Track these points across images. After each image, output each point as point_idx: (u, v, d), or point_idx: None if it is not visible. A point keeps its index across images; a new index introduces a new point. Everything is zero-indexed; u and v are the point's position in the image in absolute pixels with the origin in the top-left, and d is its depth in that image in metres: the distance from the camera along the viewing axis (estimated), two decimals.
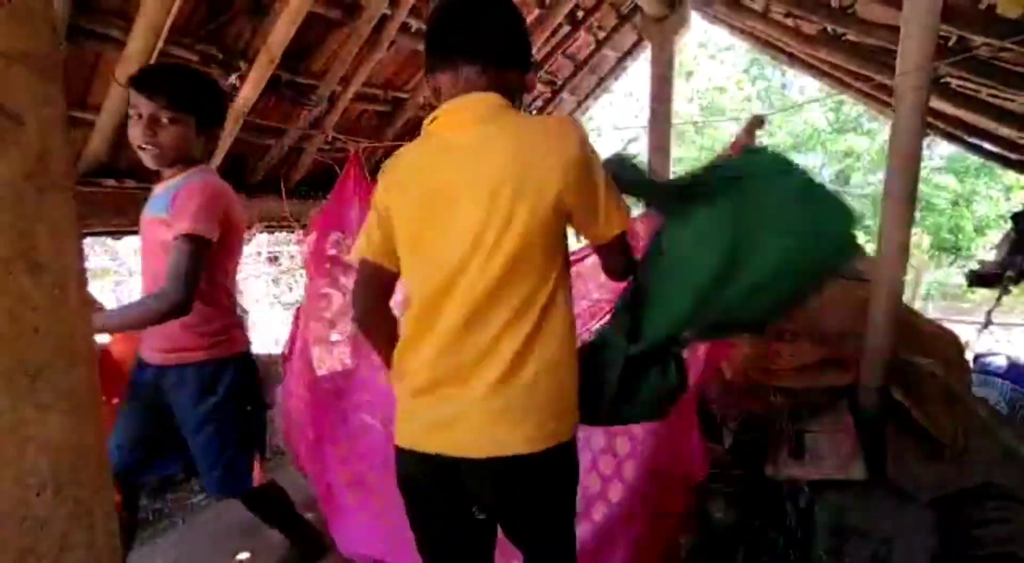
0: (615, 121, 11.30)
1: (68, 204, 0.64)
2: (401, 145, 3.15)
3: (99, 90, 1.97)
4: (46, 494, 0.62)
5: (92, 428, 0.67)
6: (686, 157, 10.19)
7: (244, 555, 1.94)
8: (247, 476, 1.47)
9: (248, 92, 2.21)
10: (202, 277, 1.26)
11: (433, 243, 0.89)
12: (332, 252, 2.11)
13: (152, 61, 1.84)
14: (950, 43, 2.12)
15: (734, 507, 1.72)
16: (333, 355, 2.10)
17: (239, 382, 1.43)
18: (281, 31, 2.07)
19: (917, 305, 8.43)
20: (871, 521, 1.56)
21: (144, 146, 1.27)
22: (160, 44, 1.81)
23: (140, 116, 1.25)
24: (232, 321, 1.45)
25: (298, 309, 2.15)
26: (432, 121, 0.93)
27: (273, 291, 7.57)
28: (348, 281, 2.04)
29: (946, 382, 1.80)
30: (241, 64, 2.19)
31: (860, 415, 1.76)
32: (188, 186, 1.27)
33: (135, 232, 2.00)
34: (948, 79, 2.40)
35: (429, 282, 0.89)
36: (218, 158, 2.38)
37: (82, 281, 0.67)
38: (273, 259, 7.47)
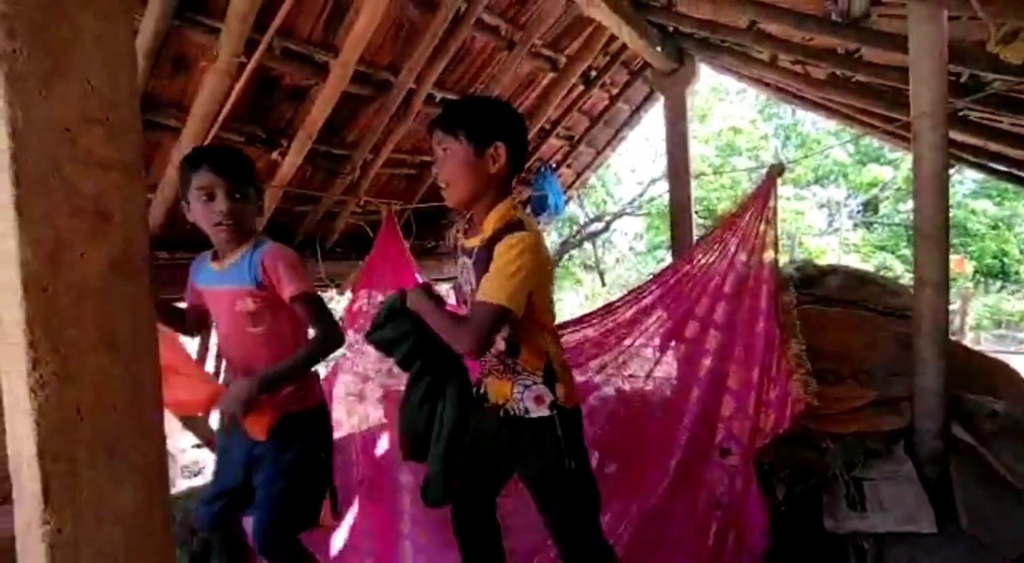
0: (632, 166, 11.55)
1: (144, 288, 0.71)
2: (429, 206, 3.27)
3: (157, 172, 2.15)
4: None
5: (160, 500, 0.70)
6: (706, 198, 10.24)
7: None
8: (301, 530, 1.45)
9: (288, 166, 2.38)
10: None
11: None
12: (368, 309, 2.19)
13: (205, 144, 2.02)
14: (962, 79, 2.15)
15: None
16: (361, 409, 2.13)
17: (318, 433, 1.45)
18: (318, 111, 2.25)
19: (967, 336, 7.99)
20: None
21: (224, 222, 1.31)
22: (213, 130, 1.99)
23: (213, 196, 1.30)
24: (313, 374, 1.48)
25: (334, 366, 2.21)
26: None
27: None
28: None
29: (1016, 419, 1.70)
30: (282, 141, 2.37)
31: (920, 460, 1.66)
32: (270, 254, 1.33)
33: (184, 299, 2.09)
34: (966, 112, 2.41)
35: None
36: (261, 226, 2.54)
37: (155, 359, 0.73)
38: None
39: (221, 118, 1.98)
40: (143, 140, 0.70)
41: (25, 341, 0.58)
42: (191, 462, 4.68)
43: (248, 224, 1.37)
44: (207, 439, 2.97)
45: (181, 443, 4.17)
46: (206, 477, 3.48)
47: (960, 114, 2.38)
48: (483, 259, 1.17)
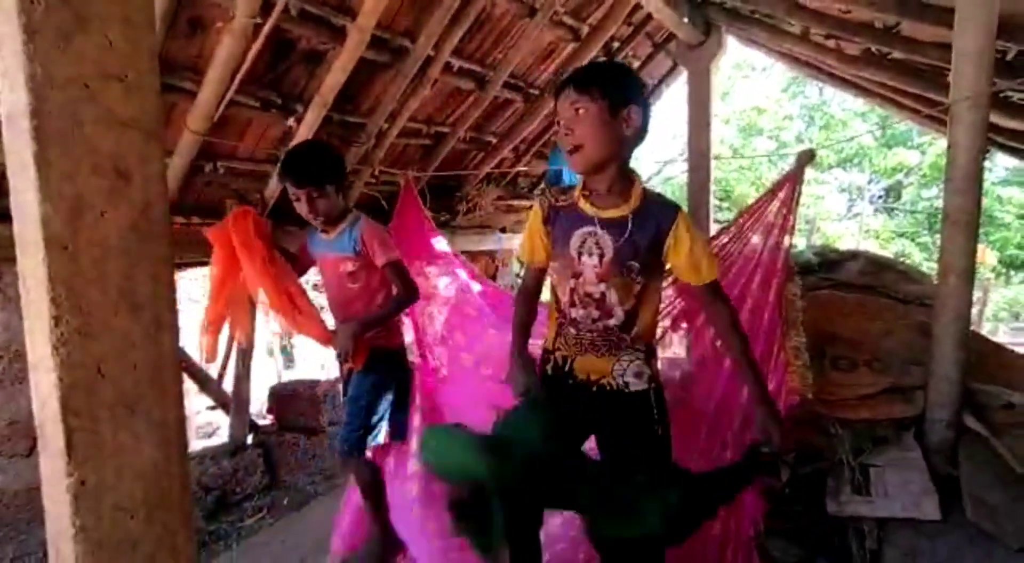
0: (650, 144, 11.30)
1: (165, 249, 0.71)
2: (445, 175, 3.25)
3: (172, 136, 2.15)
4: (139, 518, 0.67)
5: (178, 457, 0.72)
6: (724, 179, 10.03)
7: None
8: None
9: (303, 133, 2.36)
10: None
11: None
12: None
13: (220, 108, 2.01)
14: (1008, 57, 2.04)
15: (796, 546, 1.63)
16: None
17: (396, 366, 1.85)
18: (334, 77, 2.21)
19: (985, 326, 7.86)
20: None
21: (312, 219, 1.69)
22: (228, 94, 1.97)
23: (299, 199, 1.66)
24: (395, 322, 1.90)
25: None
26: None
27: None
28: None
29: None
30: (298, 107, 2.35)
31: (929, 448, 1.65)
32: (366, 230, 1.72)
33: (199, 264, 2.25)
34: (1009, 94, 2.30)
35: None
36: (274, 194, 2.53)
37: (174, 319, 0.74)
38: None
39: (237, 82, 1.96)
40: (162, 102, 0.69)
41: (47, 298, 0.58)
42: (205, 423, 4.83)
43: (334, 210, 1.71)
44: (221, 401, 3.05)
45: (196, 405, 4.29)
46: (220, 438, 3.59)
47: (1001, 95, 2.27)
48: (640, 231, 1.20)
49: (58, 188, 0.58)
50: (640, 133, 1.19)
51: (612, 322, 1.24)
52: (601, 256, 1.21)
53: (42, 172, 0.57)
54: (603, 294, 1.23)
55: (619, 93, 1.15)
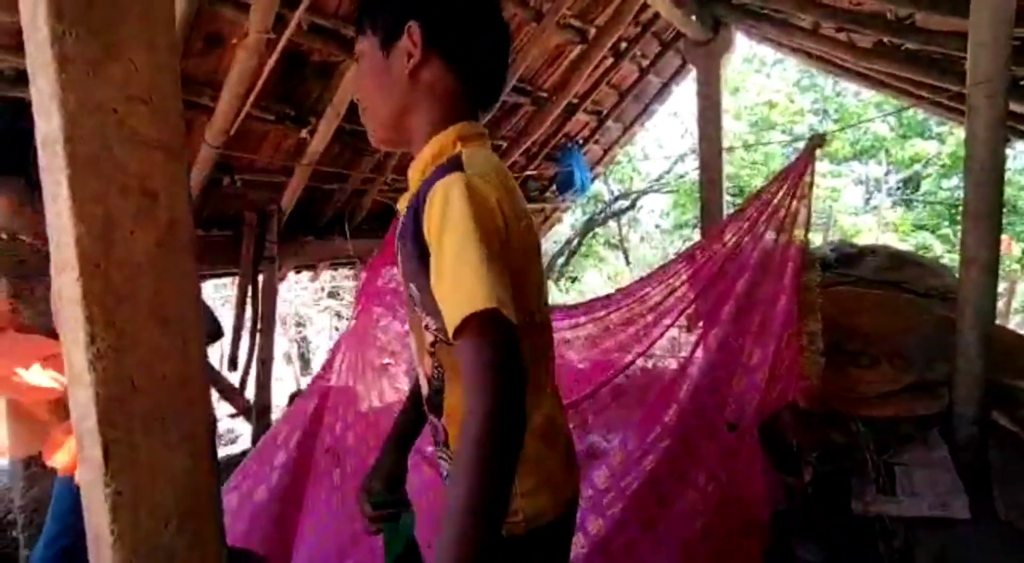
0: (660, 141, 11.23)
1: (191, 264, 0.73)
2: None
3: (190, 150, 2.20)
4: (172, 526, 0.69)
5: (208, 466, 0.74)
6: (737, 175, 9.91)
7: None
8: None
9: (317, 143, 2.40)
10: None
11: None
12: (391, 285, 2.21)
13: (236, 122, 2.05)
14: None
15: (820, 547, 1.61)
16: (383, 382, 2.15)
17: None
18: (346, 87, 2.25)
19: (1013, 320, 7.65)
20: None
21: None
22: (244, 108, 2.02)
23: None
24: None
25: (340, 339, 2.10)
26: None
27: (336, 324, 7.94)
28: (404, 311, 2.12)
29: None
30: (311, 119, 2.39)
31: (955, 446, 1.62)
32: None
33: (217, 276, 2.30)
34: None
35: None
36: (291, 204, 2.58)
37: (200, 331, 0.76)
38: (334, 294, 7.86)
39: (252, 96, 2.00)
40: (183, 119, 0.72)
41: (83, 316, 0.60)
42: (227, 431, 4.91)
43: None
44: (243, 409, 3.11)
45: (218, 413, 4.37)
46: (243, 445, 3.65)
47: (1021, 82, 2.22)
48: (406, 231, 0.71)
49: (90, 209, 0.61)
50: (450, 70, 0.73)
51: (426, 396, 0.80)
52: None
53: (76, 194, 0.59)
54: (411, 346, 0.84)
55: (389, 14, 0.73)
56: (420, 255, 0.67)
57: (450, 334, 0.59)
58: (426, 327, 0.73)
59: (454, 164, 0.68)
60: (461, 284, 0.59)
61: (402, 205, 0.77)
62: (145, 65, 0.65)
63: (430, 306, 0.66)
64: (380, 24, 0.74)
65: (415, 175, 0.75)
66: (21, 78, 1.64)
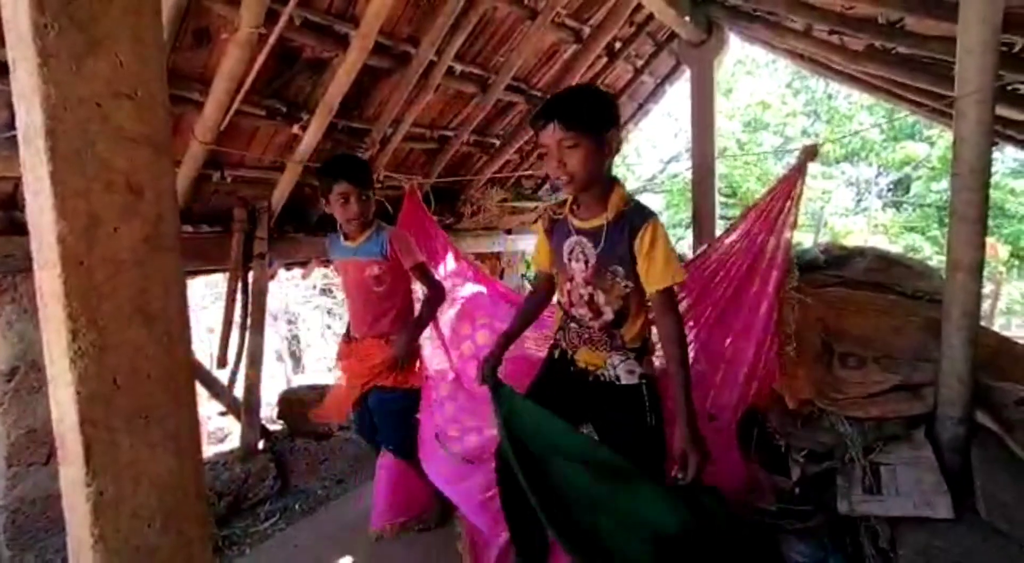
0: (654, 141, 11.26)
1: (176, 261, 0.73)
2: (449, 179, 3.26)
3: (179, 146, 2.17)
4: (155, 526, 0.68)
5: (193, 466, 0.73)
6: (729, 175, 9.97)
7: None
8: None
9: (309, 140, 2.38)
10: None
11: None
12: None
13: (227, 118, 2.03)
14: (1015, 50, 2.03)
15: (807, 545, 1.62)
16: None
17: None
18: (338, 83, 2.23)
19: (997, 321, 7.76)
20: None
21: (356, 219, 1.86)
22: (235, 104, 1.99)
23: (348, 200, 1.82)
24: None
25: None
26: None
27: (327, 321, 7.91)
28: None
29: None
30: (303, 115, 2.37)
31: (940, 446, 1.64)
32: (393, 236, 1.90)
33: (206, 272, 2.32)
34: (1019, 87, 2.28)
35: None
36: (281, 200, 2.56)
37: (186, 329, 0.75)
38: (325, 291, 7.82)
39: (243, 91, 1.98)
40: (170, 115, 0.70)
41: (64, 314, 0.59)
42: (216, 429, 4.87)
43: (370, 215, 1.90)
44: (232, 407, 3.08)
45: (207, 411, 4.33)
46: (232, 444, 3.62)
47: (1009, 88, 2.25)
48: (614, 238, 1.32)
49: (73, 205, 0.60)
50: (619, 149, 1.32)
51: (603, 321, 1.39)
52: (587, 262, 1.37)
53: (57, 190, 0.59)
54: (591, 296, 1.39)
55: (602, 124, 1.27)
56: (629, 250, 1.31)
57: (650, 291, 1.31)
58: (625, 286, 1.35)
59: (643, 207, 1.34)
60: (667, 270, 1.28)
61: (593, 223, 1.37)
62: (131, 59, 0.64)
63: (632, 276, 1.33)
64: (595, 127, 1.27)
65: (612, 209, 1.34)
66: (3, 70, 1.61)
